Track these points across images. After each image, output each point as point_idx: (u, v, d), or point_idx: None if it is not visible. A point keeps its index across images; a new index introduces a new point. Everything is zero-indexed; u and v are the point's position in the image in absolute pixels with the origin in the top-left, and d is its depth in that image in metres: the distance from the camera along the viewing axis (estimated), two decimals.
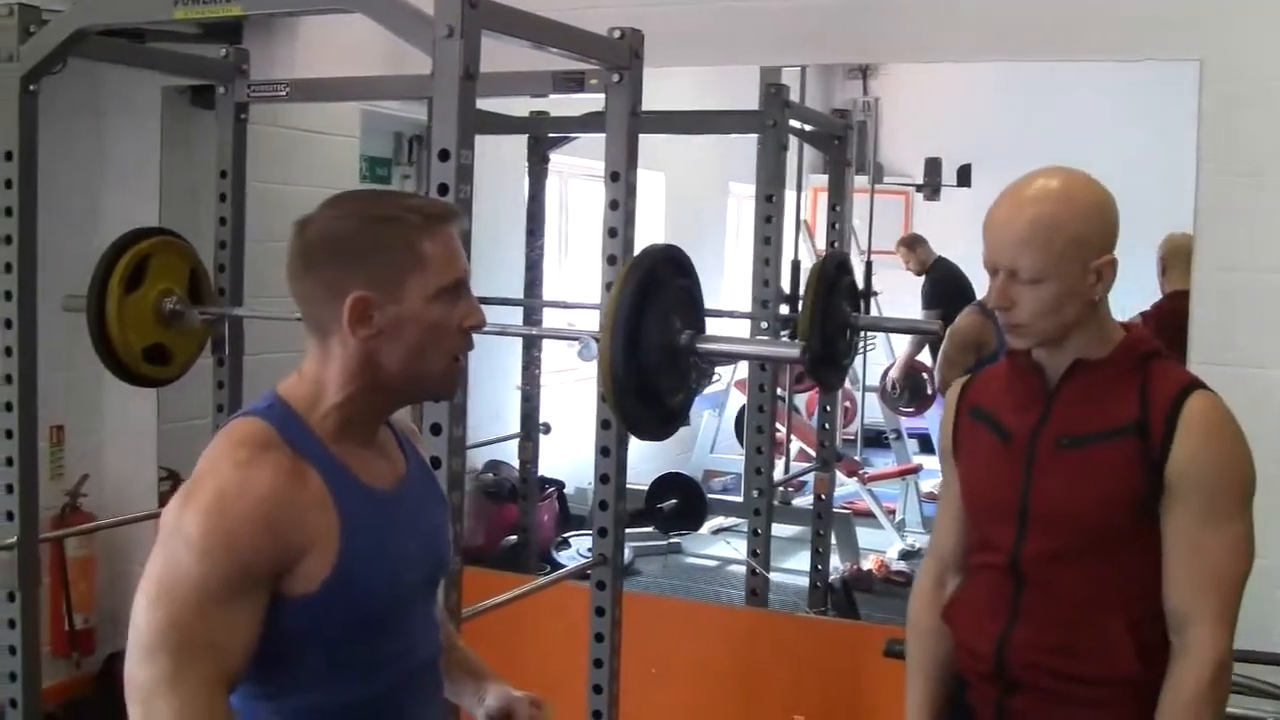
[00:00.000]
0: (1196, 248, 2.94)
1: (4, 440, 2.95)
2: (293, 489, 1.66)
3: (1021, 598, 2.09)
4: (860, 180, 5.64)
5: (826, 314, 3.42)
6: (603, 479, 2.88)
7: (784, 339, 3.70)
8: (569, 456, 5.21)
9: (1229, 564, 1.99)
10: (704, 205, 6.58)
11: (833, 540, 4.70)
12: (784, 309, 3.99)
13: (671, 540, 5.43)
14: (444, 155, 2.26)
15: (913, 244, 5.85)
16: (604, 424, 2.86)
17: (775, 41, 3.46)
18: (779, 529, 4.88)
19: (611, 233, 2.80)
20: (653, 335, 2.53)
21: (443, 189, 2.26)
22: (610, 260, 2.78)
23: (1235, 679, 2.12)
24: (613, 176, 2.79)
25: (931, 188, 5.88)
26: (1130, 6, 3.03)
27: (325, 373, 1.74)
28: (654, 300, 2.54)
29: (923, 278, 5.74)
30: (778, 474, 5.04)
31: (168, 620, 1.59)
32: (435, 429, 2.30)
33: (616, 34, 2.74)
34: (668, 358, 2.58)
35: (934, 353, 5.06)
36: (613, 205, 2.79)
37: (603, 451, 2.88)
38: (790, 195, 4.46)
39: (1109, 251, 2.01)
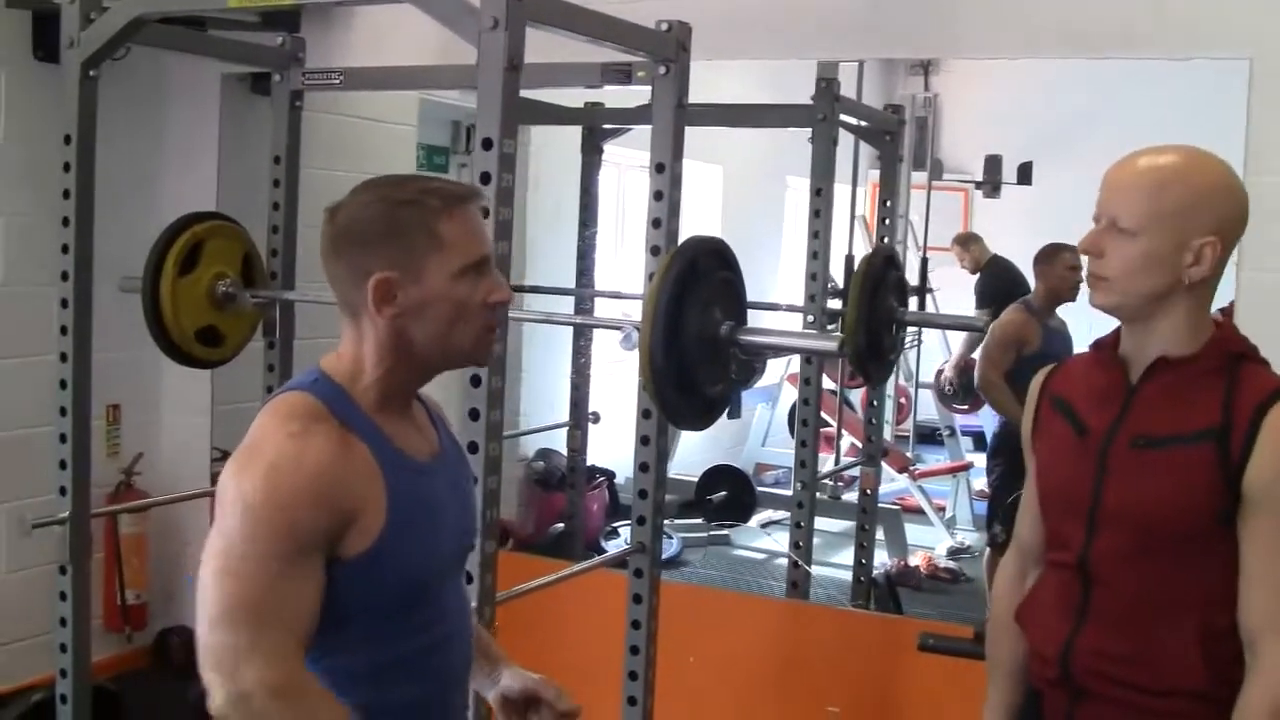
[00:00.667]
0: (1241, 247, 2.91)
1: (58, 417, 3.02)
2: (343, 459, 1.74)
3: (1090, 599, 2.03)
4: (920, 176, 5.63)
5: (872, 308, 3.43)
6: (642, 467, 2.90)
7: (824, 332, 3.70)
8: (620, 446, 5.25)
9: None
10: (761, 198, 6.58)
11: (881, 536, 4.70)
12: (836, 303, 3.99)
13: (720, 532, 5.45)
14: (487, 144, 2.29)
15: (967, 242, 5.83)
16: (644, 413, 2.88)
17: (826, 35, 3.45)
18: (828, 524, 4.89)
19: (655, 223, 2.81)
20: (692, 325, 2.55)
21: (485, 177, 2.29)
22: (654, 251, 2.80)
23: None
24: (658, 168, 2.81)
25: (991, 185, 5.84)
26: (1180, 4, 3.01)
27: (362, 350, 1.82)
28: (695, 291, 2.55)
29: (977, 276, 5.72)
30: (827, 468, 5.07)
31: (237, 591, 1.66)
32: (473, 414, 2.32)
33: (664, 27, 2.76)
34: (707, 348, 2.59)
35: None
36: (657, 196, 2.81)
37: (643, 440, 2.90)
38: (846, 190, 4.47)
39: (1218, 236, 1.91)
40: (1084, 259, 2.03)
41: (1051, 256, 4.49)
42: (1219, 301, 2.59)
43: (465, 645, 1.98)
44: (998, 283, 5.35)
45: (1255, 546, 1.90)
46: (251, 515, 1.67)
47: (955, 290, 5.74)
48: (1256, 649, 1.91)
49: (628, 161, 5.41)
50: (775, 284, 5.71)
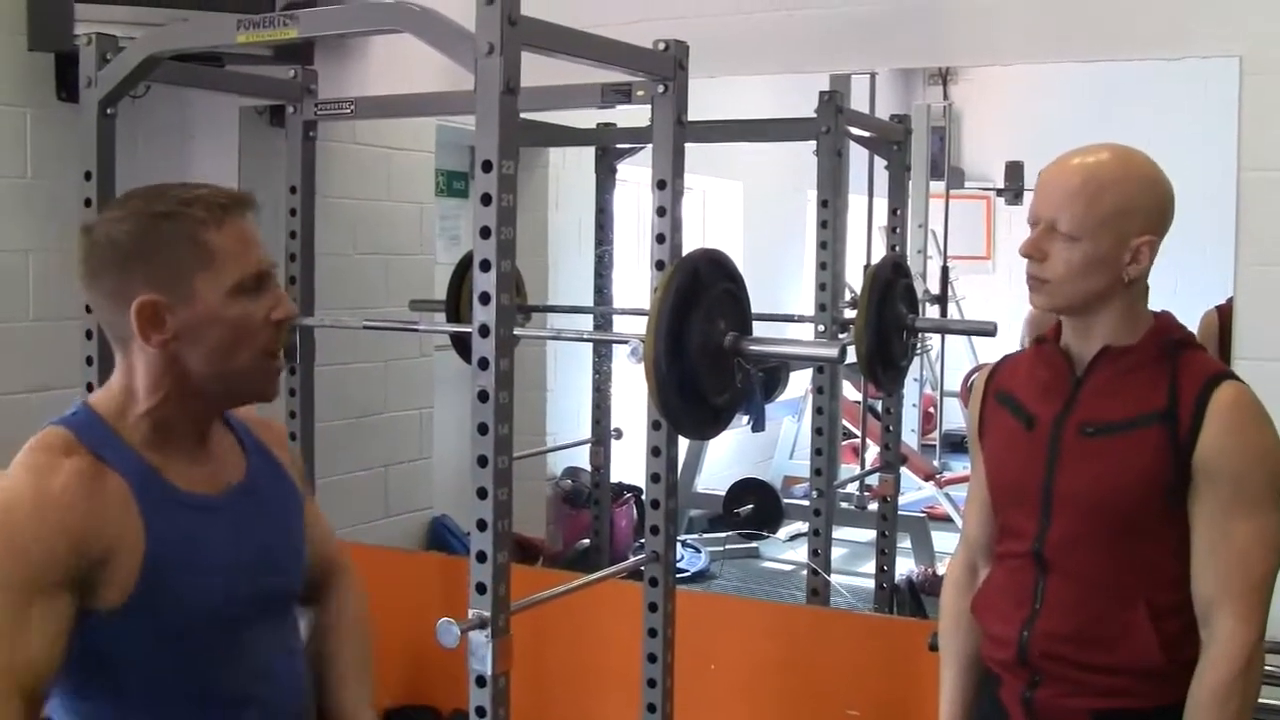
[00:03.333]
0: (1238, 244, 2.95)
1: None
2: (89, 496, 1.58)
3: (1045, 585, 2.11)
4: (939, 185, 5.65)
5: (880, 315, 3.48)
6: (653, 478, 2.96)
7: (828, 340, 3.75)
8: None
9: (1257, 554, 1.98)
10: (781, 213, 6.62)
11: (908, 544, 4.73)
12: (853, 313, 4.04)
13: (748, 545, 5.48)
14: (487, 166, 2.35)
15: None
16: (654, 425, 2.93)
17: (830, 49, 3.53)
18: (854, 534, 4.92)
19: (659, 239, 2.87)
20: (695, 336, 2.59)
21: (485, 199, 2.35)
22: (659, 265, 2.86)
23: (1269, 670, 2.12)
24: (659, 184, 2.87)
25: (1013, 192, 5.85)
26: (1169, 5, 3.05)
27: (133, 381, 1.68)
28: (697, 302, 2.60)
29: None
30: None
31: None
32: (482, 429, 2.38)
33: (661, 46, 2.82)
34: (711, 358, 2.64)
35: None
36: (660, 212, 2.87)
37: (653, 451, 2.95)
38: (862, 201, 4.52)
39: (1153, 234, 2.02)
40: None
41: None
42: (1218, 296, 2.66)
43: (285, 705, 1.82)
44: None
45: (1205, 522, 1.99)
46: None
47: (981, 299, 5.76)
48: (1210, 621, 1.99)
49: (646, 180, 5.46)
50: (797, 296, 5.74)
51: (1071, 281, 2.04)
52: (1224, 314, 3.37)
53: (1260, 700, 2.11)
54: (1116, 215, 2.00)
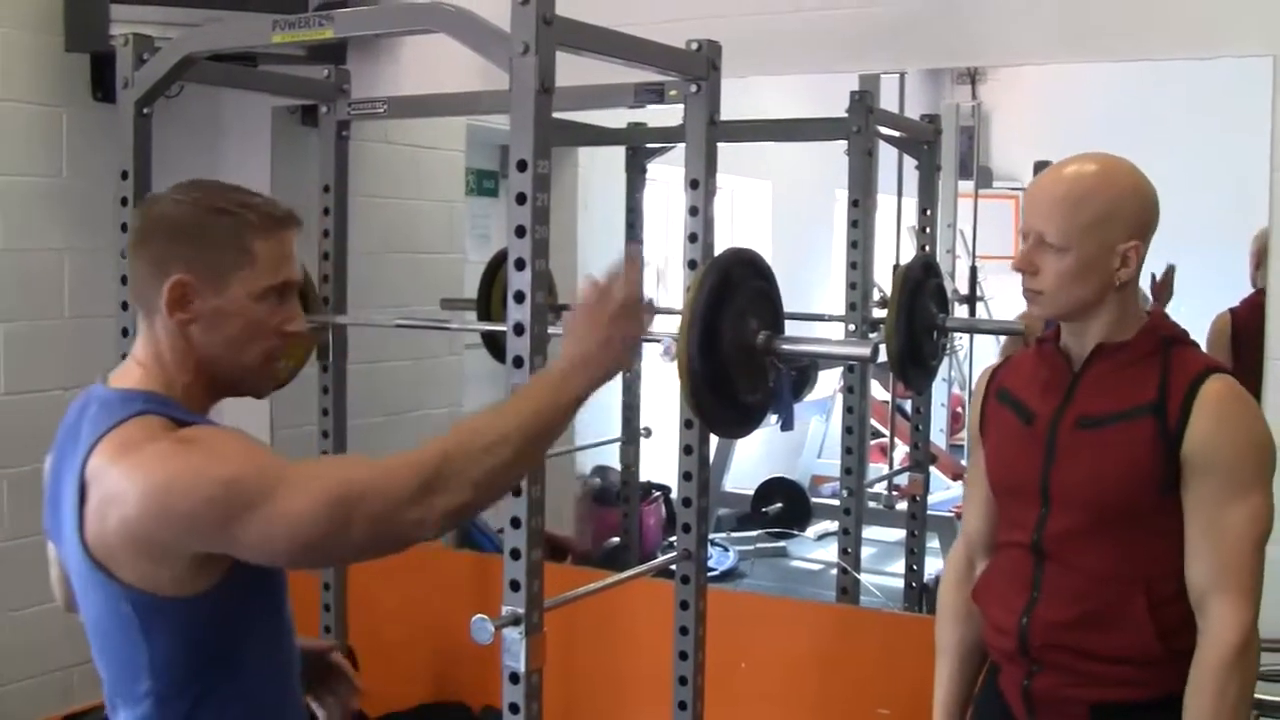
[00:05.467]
0: (1271, 246, 2.95)
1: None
2: None
3: (1043, 574, 2.16)
4: (967, 185, 5.65)
5: (911, 315, 3.49)
6: (685, 476, 2.97)
7: (859, 339, 3.75)
8: (675, 461, 5.30)
9: (1248, 540, 2.03)
10: (810, 212, 6.61)
11: (937, 544, 4.72)
12: (882, 312, 4.04)
13: (777, 544, 5.48)
14: (521, 166, 2.37)
15: None
16: (686, 423, 2.95)
17: (859, 49, 3.53)
18: (883, 533, 4.91)
19: (691, 238, 2.89)
20: (728, 335, 2.60)
21: (520, 198, 2.37)
22: (691, 265, 2.87)
23: (1264, 669, 2.14)
24: (692, 184, 2.88)
25: None
26: (1201, 5, 3.05)
27: (161, 355, 1.79)
28: (729, 301, 2.61)
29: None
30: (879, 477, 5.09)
31: (242, 469, 1.66)
32: None
33: (694, 46, 2.83)
34: (743, 357, 2.65)
35: None
36: (692, 211, 2.88)
37: (685, 449, 2.97)
38: (891, 201, 4.52)
39: (1139, 239, 2.08)
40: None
41: None
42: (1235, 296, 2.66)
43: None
44: None
45: (1197, 511, 2.05)
46: (200, 459, 1.65)
47: (1008, 298, 5.75)
48: (1204, 609, 2.05)
49: (676, 179, 5.47)
50: (825, 296, 5.74)
51: (1064, 290, 2.10)
52: (1238, 316, 3.37)
53: (1257, 696, 2.14)
54: (1100, 223, 2.05)
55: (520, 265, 2.36)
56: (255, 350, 1.82)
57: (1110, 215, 2.06)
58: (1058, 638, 2.13)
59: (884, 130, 4.00)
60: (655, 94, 2.99)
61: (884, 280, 4.19)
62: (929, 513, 4.50)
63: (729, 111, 2.92)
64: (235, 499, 1.63)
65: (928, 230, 4.09)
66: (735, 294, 2.62)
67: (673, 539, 5.29)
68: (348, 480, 1.69)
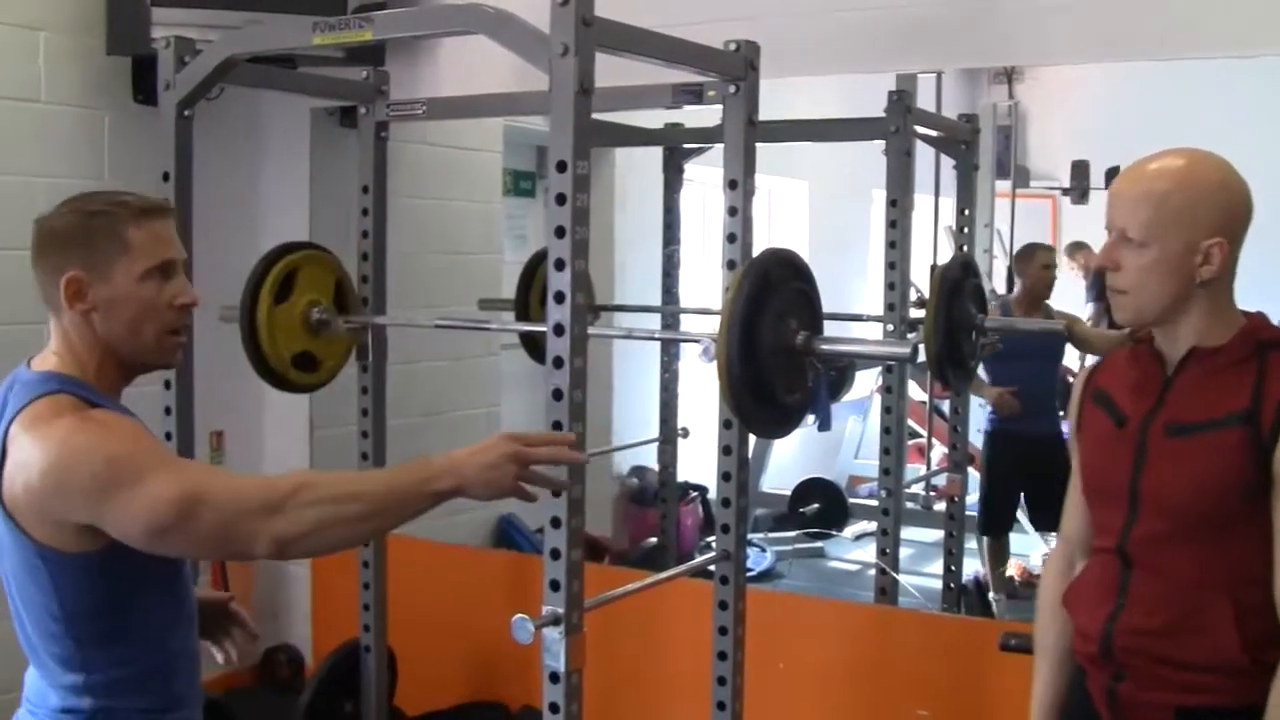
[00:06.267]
0: None
1: (164, 443, 3.14)
2: None
3: (1129, 581, 2.11)
4: (1004, 185, 5.63)
5: (949, 315, 3.48)
6: (724, 476, 2.97)
7: (899, 339, 3.75)
8: (712, 461, 5.30)
9: None
10: (847, 212, 6.61)
11: (974, 544, 4.71)
12: (920, 312, 4.03)
13: (814, 545, 5.48)
14: (561, 167, 2.37)
15: (1075, 252, 5.83)
16: (725, 423, 2.95)
17: (897, 48, 3.51)
18: (921, 534, 4.91)
19: (730, 238, 2.88)
20: (767, 336, 2.60)
21: (560, 199, 2.37)
22: (730, 265, 2.87)
23: None
24: (730, 184, 2.88)
25: (1079, 191, 5.82)
26: (1242, 2, 3.03)
27: (71, 345, 2.02)
28: (768, 302, 2.61)
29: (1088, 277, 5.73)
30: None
31: (126, 450, 1.87)
32: (557, 426, 2.40)
33: (732, 46, 2.83)
34: (783, 357, 2.65)
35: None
36: (731, 211, 2.88)
37: (724, 450, 2.97)
38: (929, 201, 4.51)
39: (1223, 235, 2.01)
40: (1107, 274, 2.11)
41: (1028, 256, 4.76)
42: None
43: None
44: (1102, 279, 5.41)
45: None
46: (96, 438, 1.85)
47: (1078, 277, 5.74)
48: None
49: (712, 180, 5.48)
50: (863, 296, 5.73)
51: (1146, 288, 2.05)
52: None
53: None
54: (1182, 218, 2.00)
55: (560, 266, 2.37)
56: (151, 327, 2.03)
57: (1193, 211, 1.99)
58: (1141, 644, 2.09)
59: (921, 130, 3.98)
60: (694, 94, 2.98)
61: (922, 280, 4.18)
62: (967, 513, 4.49)
63: (765, 112, 2.91)
64: (113, 476, 1.84)
65: (965, 230, 4.07)
66: (774, 295, 2.62)
67: (710, 539, 5.33)
68: (205, 483, 1.89)
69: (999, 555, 4.79)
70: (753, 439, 3.30)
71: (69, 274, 1.98)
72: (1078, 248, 5.85)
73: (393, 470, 2.07)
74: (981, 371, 4.41)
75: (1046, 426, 4.56)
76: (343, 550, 2.11)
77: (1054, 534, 4.85)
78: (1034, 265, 4.69)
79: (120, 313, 2.00)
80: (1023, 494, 4.84)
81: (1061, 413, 5.20)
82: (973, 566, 4.71)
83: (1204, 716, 2.05)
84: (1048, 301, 4.80)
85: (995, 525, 4.75)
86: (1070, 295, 5.51)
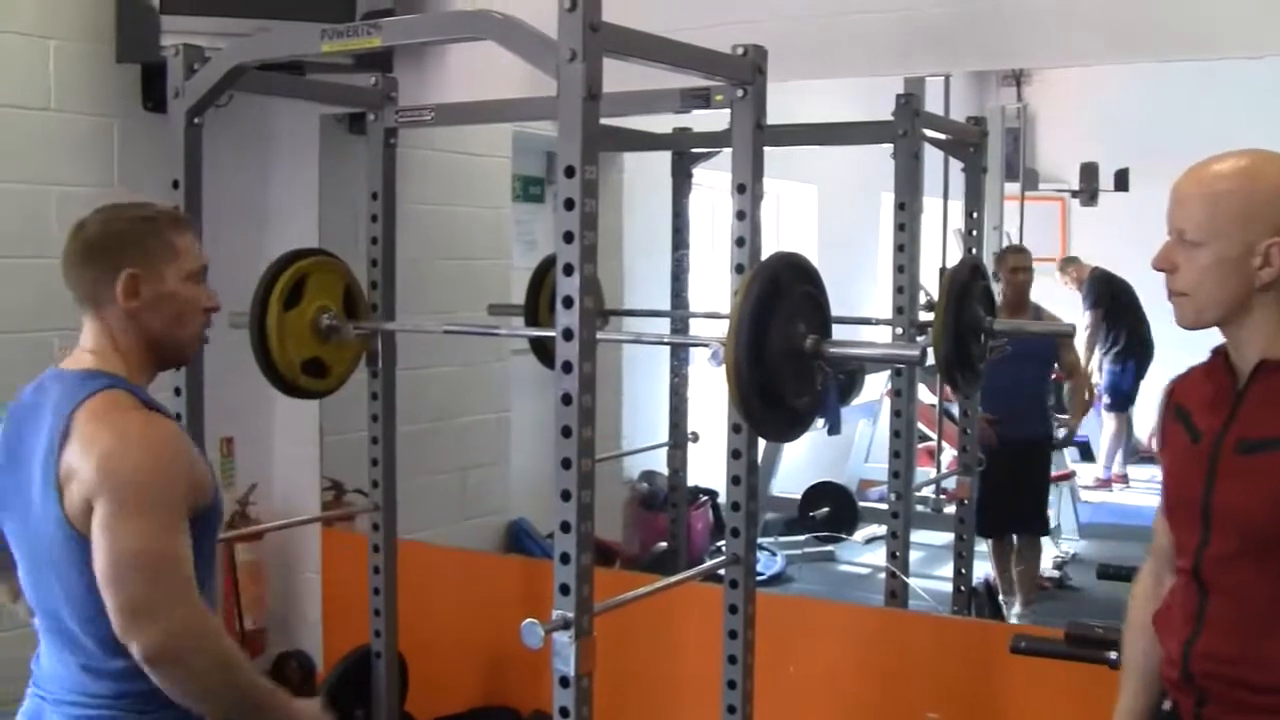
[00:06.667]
0: None
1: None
2: (180, 433, 2.21)
3: (1206, 604, 2.07)
4: (1013, 187, 5.62)
5: (958, 317, 3.48)
6: (734, 480, 2.98)
7: (908, 342, 3.74)
8: (722, 466, 5.30)
9: None
10: (856, 216, 6.60)
11: (984, 548, 4.71)
12: (929, 315, 4.03)
13: (824, 548, 5.47)
14: (569, 172, 2.38)
15: (1066, 266, 5.84)
16: (734, 428, 2.95)
17: (904, 52, 3.51)
18: (932, 537, 4.90)
19: (739, 242, 2.88)
20: (776, 339, 2.60)
21: (569, 204, 2.37)
22: (738, 269, 2.87)
23: None
24: (739, 188, 2.88)
25: (1088, 193, 5.81)
26: (1251, 3, 3.02)
27: (112, 340, 2.23)
28: (777, 306, 2.61)
29: (1083, 287, 5.73)
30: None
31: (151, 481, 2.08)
32: (565, 431, 2.41)
33: (740, 51, 2.83)
34: (792, 361, 2.65)
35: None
36: (739, 215, 2.88)
37: (734, 454, 2.97)
38: (938, 204, 4.51)
39: None
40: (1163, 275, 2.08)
41: (1000, 260, 4.75)
42: None
43: None
44: (1099, 285, 5.42)
45: None
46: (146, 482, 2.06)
47: (1056, 301, 5.72)
48: None
49: (721, 184, 5.47)
50: (872, 299, 5.73)
51: (1202, 288, 2.02)
52: None
53: None
54: (1240, 217, 1.97)
55: (569, 270, 2.37)
56: (189, 324, 2.30)
57: (1251, 210, 1.96)
58: (1218, 670, 2.05)
59: (930, 133, 3.98)
60: (701, 99, 2.98)
61: (931, 283, 4.19)
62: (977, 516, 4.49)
63: (773, 116, 2.92)
64: (135, 493, 2.06)
65: (974, 233, 4.07)
66: (783, 298, 2.63)
67: (721, 543, 5.32)
68: (173, 560, 2.07)
69: (1003, 557, 4.79)
70: (762, 443, 3.31)
71: (128, 271, 2.20)
72: (1069, 262, 5.85)
73: (271, 690, 2.23)
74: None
75: (1036, 430, 4.56)
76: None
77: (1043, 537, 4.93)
78: (1004, 269, 4.73)
79: (166, 309, 2.24)
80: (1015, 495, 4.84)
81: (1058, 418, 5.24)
82: (983, 569, 4.70)
83: None
84: (1039, 304, 4.81)
85: (991, 527, 4.74)
86: (1069, 303, 5.53)
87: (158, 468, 2.08)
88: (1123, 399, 5.33)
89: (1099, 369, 5.29)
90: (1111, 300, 5.12)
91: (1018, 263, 4.78)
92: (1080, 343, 5.57)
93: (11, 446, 2.22)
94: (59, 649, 2.18)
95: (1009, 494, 4.81)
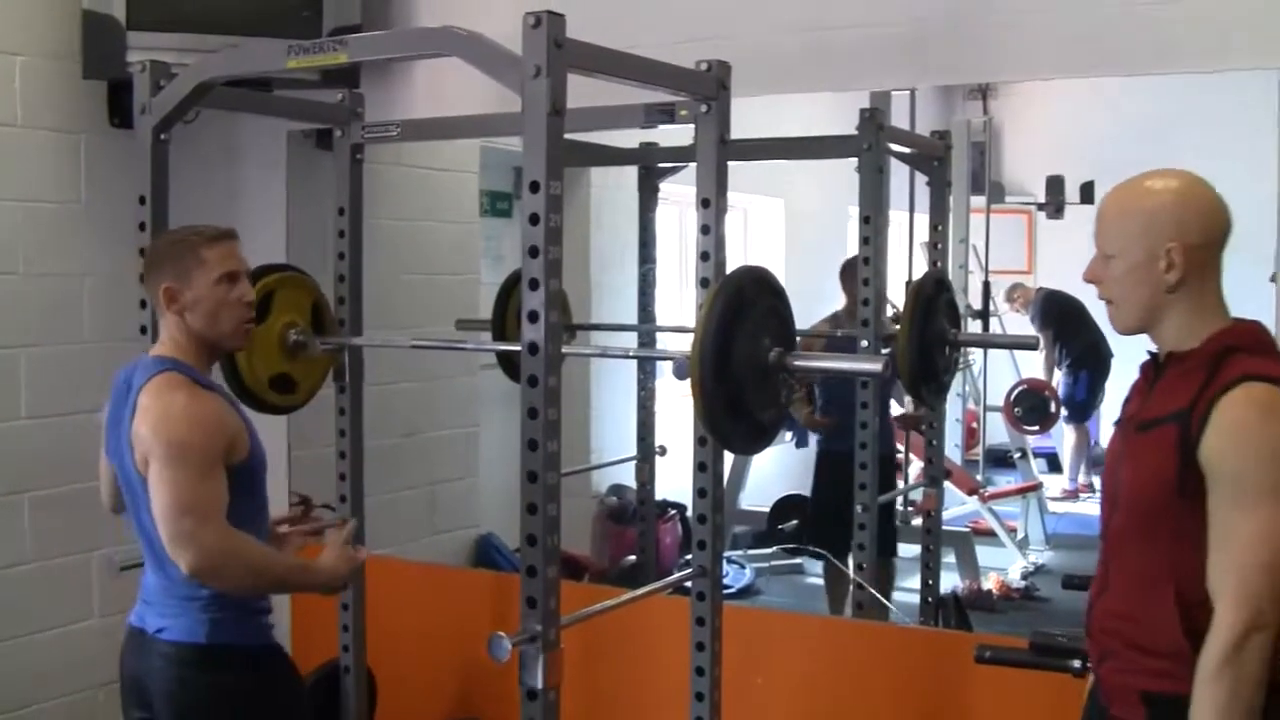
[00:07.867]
0: (1278, 256, 2.97)
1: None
2: (225, 404, 2.76)
3: (1109, 570, 2.30)
4: (979, 200, 5.66)
5: (923, 330, 3.51)
6: (700, 493, 2.99)
7: (870, 354, 3.77)
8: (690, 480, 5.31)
9: (1252, 549, 2.06)
10: (823, 230, 6.62)
11: (952, 559, 4.73)
12: (897, 327, 4.05)
13: (793, 561, 5.48)
14: (534, 187, 2.40)
15: (1013, 293, 5.87)
16: (700, 440, 2.97)
17: (867, 66, 3.55)
18: (900, 549, 4.91)
19: (704, 256, 2.90)
20: (741, 352, 2.63)
21: (534, 219, 2.40)
22: (703, 283, 2.88)
23: None
24: (704, 203, 2.90)
25: (1054, 206, 5.85)
26: (1212, 17, 3.06)
27: (175, 336, 2.79)
28: (742, 319, 2.64)
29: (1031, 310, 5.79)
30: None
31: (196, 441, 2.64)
32: (532, 445, 2.42)
33: (704, 66, 2.85)
34: (757, 374, 2.67)
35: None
36: (704, 230, 2.90)
37: (700, 467, 2.99)
38: (904, 217, 4.54)
39: (1178, 239, 2.15)
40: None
41: (848, 271, 4.64)
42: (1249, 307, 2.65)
43: None
44: (1048, 304, 5.50)
45: (1211, 519, 2.12)
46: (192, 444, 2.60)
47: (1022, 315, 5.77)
48: (1214, 611, 2.10)
49: (687, 198, 5.49)
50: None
51: (1122, 296, 2.24)
52: None
53: None
54: (1142, 227, 2.17)
55: (534, 285, 2.39)
56: (227, 318, 2.79)
57: (1152, 219, 2.17)
58: (1111, 624, 2.26)
59: (894, 147, 4.02)
60: (666, 114, 3.01)
61: (897, 296, 4.21)
62: (944, 528, 4.51)
63: (751, 130, 2.94)
64: (175, 450, 2.61)
65: (939, 246, 4.11)
66: (747, 312, 2.65)
67: (688, 557, 5.34)
68: (212, 515, 2.61)
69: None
70: (729, 456, 3.32)
71: (165, 285, 2.74)
72: (1015, 288, 5.90)
73: (300, 566, 2.97)
74: None
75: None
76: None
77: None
78: (852, 282, 4.69)
79: (202, 309, 2.75)
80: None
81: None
82: (950, 580, 4.72)
83: (1165, 703, 2.16)
84: None
85: (828, 544, 4.70)
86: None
87: (195, 432, 2.61)
88: (1079, 410, 5.38)
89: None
90: (1061, 318, 5.21)
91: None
92: (1039, 361, 5.62)
93: (114, 411, 2.79)
94: (153, 566, 2.79)
95: (845, 510, 4.66)
